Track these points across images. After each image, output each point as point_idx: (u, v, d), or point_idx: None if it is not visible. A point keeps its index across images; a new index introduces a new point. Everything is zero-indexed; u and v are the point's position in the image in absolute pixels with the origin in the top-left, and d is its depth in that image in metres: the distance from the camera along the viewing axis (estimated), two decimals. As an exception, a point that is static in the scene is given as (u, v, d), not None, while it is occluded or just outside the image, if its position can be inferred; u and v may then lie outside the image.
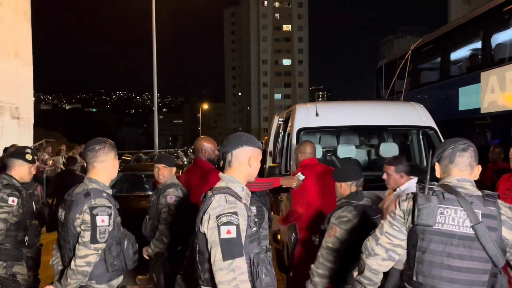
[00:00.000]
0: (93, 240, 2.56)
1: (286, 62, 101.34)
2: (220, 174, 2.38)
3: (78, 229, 2.59)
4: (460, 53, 9.61)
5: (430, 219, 2.07)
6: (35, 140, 18.82)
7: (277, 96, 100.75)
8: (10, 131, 16.55)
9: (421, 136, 6.08)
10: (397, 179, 3.58)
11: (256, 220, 2.36)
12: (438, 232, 2.08)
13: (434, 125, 5.68)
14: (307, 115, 5.67)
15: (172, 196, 4.05)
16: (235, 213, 2.17)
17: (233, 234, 2.13)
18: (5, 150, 8.92)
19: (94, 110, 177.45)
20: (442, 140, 5.59)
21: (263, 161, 10.02)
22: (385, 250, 2.26)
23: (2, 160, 3.98)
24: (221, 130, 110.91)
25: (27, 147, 4.25)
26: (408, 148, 6.35)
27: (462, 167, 2.22)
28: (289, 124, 6.07)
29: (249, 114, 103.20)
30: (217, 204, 2.20)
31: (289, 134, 5.94)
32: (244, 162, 2.34)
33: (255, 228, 2.30)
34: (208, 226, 2.18)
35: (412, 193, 2.24)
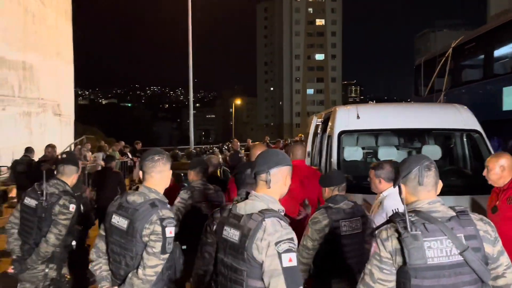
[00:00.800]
0: (163, 251, 2.63)
1: (319, 56, 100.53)
2: (255, 193, 2.28)
3: (146, 239, 2.63)
4: (504, 51, 9.31)
5: (422, 258, 2.00)
6: (75, 136, 19.44)
7: (310, 91, 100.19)
8: (52, 127, 17.15)
9: (465, 139, 5.95)
10: (376, 184, 3.74)
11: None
12: (430, 267, 2.00)
13: (479, 128, 5.55)
14: (348, 118, 5.65)
15: (178, 198, 4.16)
16: (293, 239, 2.11)
17: (294, 262, 2.07)
18: (47, 146, 9.26)
19: (129, 105, 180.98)
20: (488, 144, 5.46)
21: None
22: None
23: (43, 159, 4.11)
24: (253, 126, 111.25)
25: (73, 153, 4.39)
26: (451, 151, 6.23)
27: (430, 187, 2.18)
28: (329, 126, 6.05)
29: (281, 109, 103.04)
30: (273, 230, 2.10)
31: (329, 136, 5.93)
32: (281, 182, 2.29)
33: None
34: (266, 253, 2.07)
35: (391, 228, 2.11)
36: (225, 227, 2.25)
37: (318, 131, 7.25)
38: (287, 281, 2.03)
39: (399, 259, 2.04)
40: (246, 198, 2.32)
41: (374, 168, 3.78)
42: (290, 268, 2.04)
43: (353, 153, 5.77)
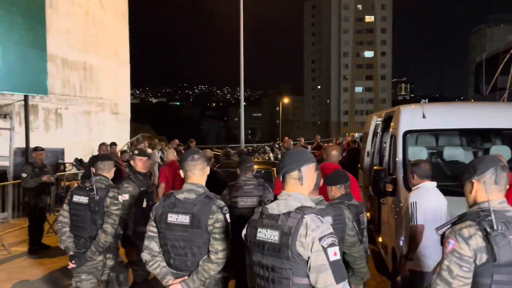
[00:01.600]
0: (228, 235, 2.91)
1: (368, 54, 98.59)
2: (287, 192, 2.34)
3: (211, 228, 2.87)
4: None
5: (511, 255, 2.06)
6: (130, 135, 20.09)
7: (358, 89, 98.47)
8: (110, 126, 17.80)
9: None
10: (410, 179, 4.29)
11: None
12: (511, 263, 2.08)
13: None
14: (413, 117, 5.52)
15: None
16: (333, 234, 2.18)
17: (338, 256, 2.14)
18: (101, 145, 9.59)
19: (177, 103, 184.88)
20: None
21: (357, 160, 9.75)
22: None
23: (95, 159, 4.34)
24: (299, 124, 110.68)
25: (107, 153, 4.70)
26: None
27: (502, 188, 2.25)
28: (393, 125, 5.94)
29: (329, 107, 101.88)
30: (315, 225, 2.16)
31: (392, 136, 5.82)
32: (311, 179, 2.38)
33: None
34: (312, 249, 2.12)
35: (472, 227, 2.14)
36: (260, 229, 2.30)
37: (378, 131, 7.13)
38: (335, 274, 2.09)
39: (484, 257, 2.09)
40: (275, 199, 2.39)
41: (412, 165, 4.31)
42: (336, 261, 2.11)
43: (417, 153, 5.63)
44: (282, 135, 55.96)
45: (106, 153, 8.93)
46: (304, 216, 2.18)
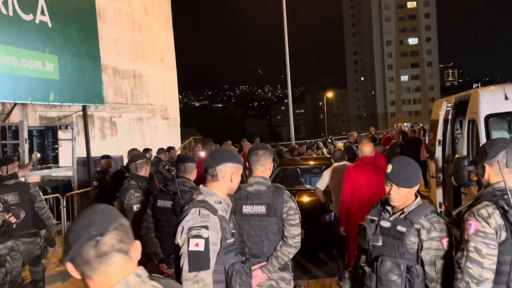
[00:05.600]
0: (300, 221, 3.11)
1: (412, 41, 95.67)
2: (201, 186, 2.57)
3: (285, 215, 3.06)
4: None
5: None
6: (181, 139, 20.34)
7: (404, 78, 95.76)
8: (161, 131, 18.10)
9: None
10: None
11: (233, 231, 2.50)
12: None
13: None
14: (494, 100, 5.12)
15: None
16: (206, 227, 2.33)
17: (201, 247, 2.28)
18: (147, 151, 9.48)
19: (220, 105, 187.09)
20: None
21: (417, 150, 9.38)
22: (491, 272, 2.18)
23: (177, 161, 4.25)
24: (344, 118, 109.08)
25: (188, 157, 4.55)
26: None
27: None
28: (470, 110, 5.55)
29: (374, 99, 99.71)
30: (190, 217, 2.38)
31: (471, 121, 5.43)
32: (227, 177, 2.54)
33: (232, 239, 2.45)
34: (180, 238, 2.38)
35: (489, 206, 2.21)
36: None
37: (449, 117, 6.72)
38: (189, 263, 2.28)
39: (503, 235, 2.17)
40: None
41: None
42: (194, 252, 2.29)
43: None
44: (327, 130, 55.25)
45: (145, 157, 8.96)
46: (190, 209, 2.44)
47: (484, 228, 2.18)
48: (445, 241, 2.33)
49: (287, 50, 18.77)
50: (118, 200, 4.40)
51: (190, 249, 2.29)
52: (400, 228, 2.41)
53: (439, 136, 6.81)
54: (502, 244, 2.17)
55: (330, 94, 79.96)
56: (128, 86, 16.07)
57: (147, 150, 9.08)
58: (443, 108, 6.93)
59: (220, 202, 2.51)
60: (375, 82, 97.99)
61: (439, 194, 6.57)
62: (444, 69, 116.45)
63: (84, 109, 10.47)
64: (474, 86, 8.13)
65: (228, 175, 2.55)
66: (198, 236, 2.30)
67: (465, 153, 5.58)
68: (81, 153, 11.19)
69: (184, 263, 2.30)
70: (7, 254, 4.45)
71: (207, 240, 2.30)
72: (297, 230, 3.06)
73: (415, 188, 2.52)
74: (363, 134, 15.05)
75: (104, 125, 14.52)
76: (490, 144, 2.45)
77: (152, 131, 17.47)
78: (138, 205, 4.21)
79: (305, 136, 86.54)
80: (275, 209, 3.05)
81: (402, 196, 2.48)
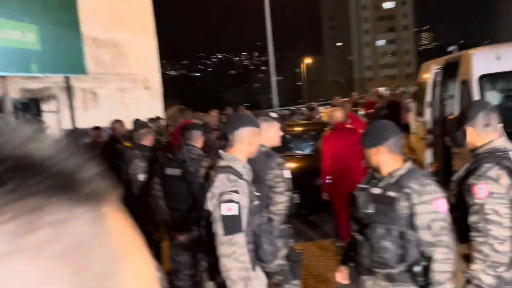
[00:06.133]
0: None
1: (388, 5, 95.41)
2: (222, 152, 2.59)
3: (271, 182, 3.17)
4: None
5: None
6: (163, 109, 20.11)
7: (380, 43, 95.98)
8: (144, 101, 17.85)
9: None
10: None
11: (257, 194, 2.59)
12: None
13: None
14: (487, 60, 5.24)
15: None
16: (236, 192, 2.39)
17: (234, 211, 2.34)
18: (155, 120, 9.48)
19: (197, 74, 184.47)
20: None
21: (399, 113, 9.48)
22: (510, 230, 2.26)
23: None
24: (322, 84, 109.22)
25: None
26: None
27: (494, 128, 2.41)
28: (461, 71, 5.66)
29: (351, 64, 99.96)
30: (219, 183, 2.43)
31: (463, 83, 5.56)
32: (246, 142, 2.59)
33: (256, 202, 2.54)
34: (211, 204, 2.42)
35: (494, 168, 2.28)
36: None
37: (438, 79, 6.85)
38: (224, 227, 2.35)
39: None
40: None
41: None
42: (228, 216, 2.35)
43: (490, 98, 5.37)
44: (307, 96, 55.37)
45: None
46: (217, 175, 2.47)
47: (496, 189, 2.24)
48: (438, 203, 2.27)
49: (268, 13, 18.53)
50: (122, 170, 4.40)
51: (223, 213, 2.34)
52: (390, 193, 2.34)
53: (429, 98, 6.95)
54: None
55: (309, 61, 79.66)
56: (108, 56, 15.70)
57: (156, 119, 9.15)
58: (432, 70, 7.04)
59: (244, 167, 2.56)
60: (352, 47, 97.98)
61: (428, 155, 6.76)
62: (419, 33, 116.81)
63: (67, 80, 10.24)
64: (448, 49, 8.24)
65: (247, 139, 2.58)
66: (230, 201, 2.35)
67: (456, 114, 5.72)
68: (64, 125, 11.03)
69: (218, 227, 2.36)
70: None
71: (239, 204, 2.36)
72: (281, 198, 3.15)
73: (383, 149, 2.39)
74: (346, 99, 15.25)
75: (86, 97, 14.25)
76: (468, 107, 2.54)
77: (135, 102, 17.20)
78: (144, 175, 4.23)
79: (283, 103, 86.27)
80: (258, 175, 3.02)
81: (374, 157, 2.41)
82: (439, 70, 6.87)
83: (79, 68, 10.40)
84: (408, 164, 2.42)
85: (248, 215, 2.43)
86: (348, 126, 5.56)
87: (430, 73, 7.07)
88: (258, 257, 2.49)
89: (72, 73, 10.32)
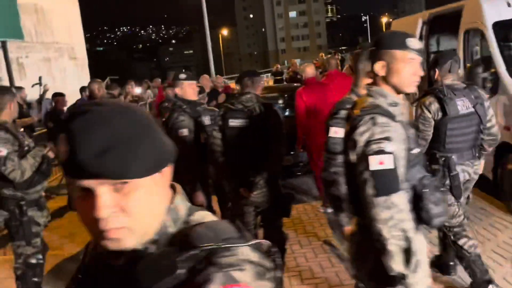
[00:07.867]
0: None
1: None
2: (367, 86, 2.03)
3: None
4: None
5: (456, 111, 3.16)
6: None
7: (292, 14, 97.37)
8: (70, 72, 16.40)
9: None
10: None
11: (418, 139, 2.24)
12: (459, 116, 3.19)
13: None
14: (498, 7, 5.26)
15: None
16: (388, 138, 1.81)
17: (387, 165, 1.79)
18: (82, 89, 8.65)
19: (101, 48, 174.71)
20: None
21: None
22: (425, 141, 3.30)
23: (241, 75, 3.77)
24: (236, 56, 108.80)
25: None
26: None
27: (455, 73, 3.35)
28: (465, 20, 5.66)
29: (265, 36, 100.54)
30: (364, 128, 1.85)
31: (468, 32, 5.58)
32: (395, 69, 1.91)
33: (417, 150, 1.96)
34: (355, 155, 1.87)
35: (430, 96, 3.25)
36: None
37: (427, 33, 6.88)
38: (377, 186, 1.82)
39: (440, 114, 3.19)
40: None
41: None
42: (380, 172, 1.81)
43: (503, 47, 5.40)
44: (225, 69, 54.82)
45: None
46: (361, 117, 2.09)
47: (424, 113, 3.24)
48: None
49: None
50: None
51: (373, 168, 1.79)
52: None
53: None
54: (440, 120, 3.19)
55: (225, 32, 78.63)
56: (31, 23, 14.05)
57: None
58: (419, 24, 7.05)
59: (396, 104, 1.94)
60: (265, 19, 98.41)
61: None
62: (325, 5, 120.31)
63: (4, 45, 8.97)
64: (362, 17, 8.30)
65: (396, 65, 1.90)
66: (381, 152, 1.79)
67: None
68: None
69: (367, 186, 1.81)
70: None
71: (393, 155, 1.80)
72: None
73: None
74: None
75: (12, 67, 12.64)
76: (440, 55, 3.49)
77: (62, 73, 15.76)
78: (184, 130, 3.68)
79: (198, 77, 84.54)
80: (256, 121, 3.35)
81: None
82: (426, 24, 6.90)
83: (16, 32, 9.26)
84: None
85: (405, 168, 1.87)
86: (319, 81, 5.96)
87: (417, 28, 7.06)
88: (420, 220, 1.92)
89: (8, 37, 9.10)
